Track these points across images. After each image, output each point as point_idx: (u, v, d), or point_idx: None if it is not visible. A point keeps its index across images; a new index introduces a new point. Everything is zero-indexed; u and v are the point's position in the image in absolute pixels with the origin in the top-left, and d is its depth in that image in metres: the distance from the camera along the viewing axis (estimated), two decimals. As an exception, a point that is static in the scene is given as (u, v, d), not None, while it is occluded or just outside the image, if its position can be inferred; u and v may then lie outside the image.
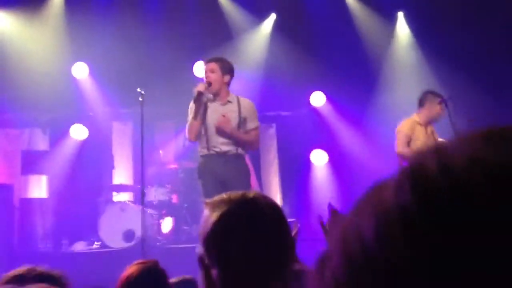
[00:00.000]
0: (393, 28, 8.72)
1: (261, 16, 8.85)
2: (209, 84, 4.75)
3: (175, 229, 7.16)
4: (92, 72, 8.50)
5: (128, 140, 8.63)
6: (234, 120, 4.79)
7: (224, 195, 1.55)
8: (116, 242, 6.60)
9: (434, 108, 5.65)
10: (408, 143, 5.63)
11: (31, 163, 8.18)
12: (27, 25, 8.41)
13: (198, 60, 8.62)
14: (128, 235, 6.60)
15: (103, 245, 6.68)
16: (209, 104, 4.87)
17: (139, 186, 7.45)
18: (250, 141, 4.88)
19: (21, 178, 8.16)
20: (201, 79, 8.52)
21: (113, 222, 6.70)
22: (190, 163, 7.53)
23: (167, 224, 7.19)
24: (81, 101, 8.48)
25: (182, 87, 8.41)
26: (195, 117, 4.84)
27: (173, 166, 7.60)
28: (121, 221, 6.70)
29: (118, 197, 7.37)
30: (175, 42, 8.36)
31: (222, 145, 4.79)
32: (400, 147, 5.65)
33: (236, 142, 4.77)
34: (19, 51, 8.17)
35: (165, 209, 7.20)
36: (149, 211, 6.67)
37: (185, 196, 7.33)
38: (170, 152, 8.40)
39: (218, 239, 1.47)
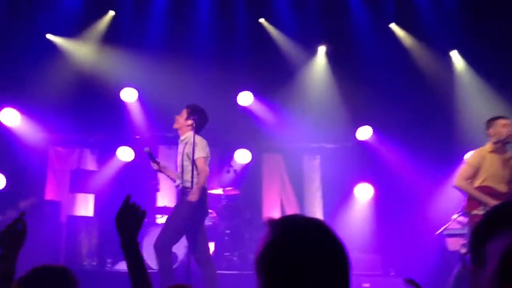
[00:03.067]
0: (445, 61, 8.62)
1: (310, 48, 8.96)
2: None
3: (217, 254, 7.21)
4: (140, 97, 8.76)
5: (173, 164, 8.77)
6: (180, 154, 5.59)
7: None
8: (158, 263, 6.67)
9: (498, 130, 5.47)
10: (476, 174, 5.47)
11: (79, 182, 8.41)
12: (81, 51, 8.76)
13: (243, 89, 8.82)
14: (171, 258, 6.67)
15: (146, 266, 6.74)
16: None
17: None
18: (202, 176, 5.43)
19: (69, 196, 8.40)
20: (245, 108, 8.78)
21: (156, 244, 6.78)
22: (234, 190, 7.64)
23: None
24: (128, 124, 8.73)
25: (227, 114, 8.62)
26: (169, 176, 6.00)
27: (216, 191, 7.69)
28: (164, 243, 6.77)
29: (161, 219, 7.48)
30: (222, 70, 8.55)
31: (177, 179, 5.64)
32: (458, 179, 5.52)
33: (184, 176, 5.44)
34: (75, 75, 8.49)
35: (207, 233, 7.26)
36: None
37: (227, 222, 7.40)
38: (214, 177, 8.52)
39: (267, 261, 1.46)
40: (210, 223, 7.27)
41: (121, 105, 8.70)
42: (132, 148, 8.57)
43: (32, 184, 8.29)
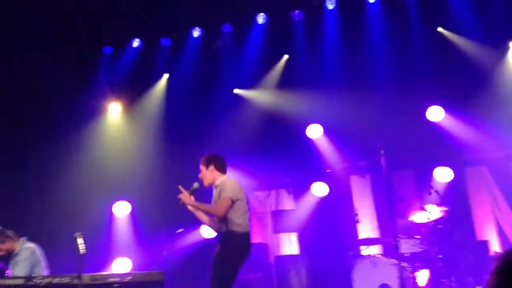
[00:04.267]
0: None
1: (499, 47, 8.19)
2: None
3: (433, 282, 6.73)
4: (326, 131, 8.80)
5: (368, 192, 8.60)
6: (215, 200, 5.23)
7: None
8: (374, 297, 6.47)
9: None
10: None
11: (280, 222, 8.64)
12: (264, 97, 9.19)
13: (431, 104, 8.33)
14: (385, 290, 6.42)
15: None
16: None
17: (387, 238, 7.31)
18: (212, 208, 5.16)
19: (273, 236, 8.67)
20: (434, 124, 8.26)
21: (366, 277, 6.58)
22: (440, 211, 7.13)
23: (423, 277, 6.81)
24: (318, 159, 8.78)
25: (417, 133, 8.19)
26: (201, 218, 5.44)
27: (420, 216, 7.24)
28: (374, 275, 6.54)
29: (366, 250, 7.27)
30: (406, 89, 8.22)
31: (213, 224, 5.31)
32: None
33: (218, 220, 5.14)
34: (261, 122, 8.89)
35: (419, 261, 6.84)
36: (403, 264, 6.40)
37: (438, 246, 6.88)
38: (414, 202, 8.10)
39: None
40: (420, 249, 6.83)
41: (308, 142, 8.82)
42: (326, 183, 8.60)
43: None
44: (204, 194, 5.55)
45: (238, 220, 5.08)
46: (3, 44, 8.03)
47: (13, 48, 8.15)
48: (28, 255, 5.79)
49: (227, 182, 5.23)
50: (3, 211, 7.37)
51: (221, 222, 5.12)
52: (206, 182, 5.34)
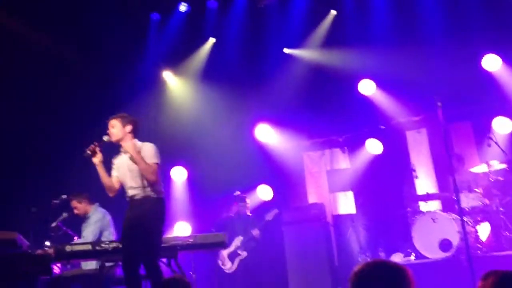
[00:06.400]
0: None
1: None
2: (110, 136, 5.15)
3: (495, 235, 6.64)
4: (378, 87, 8.63)
5: (425, 147, 8.46)
6: (131, 164, 5.00)
7: None
8: (433, 253, 6.43)
9: None
10: None
11: (336, 181, 8.65)
12: (311, 55, 9.08)
13: (486, 53, 8.01)
14: (445, 245, 6.37)
15: (420, 256, 6.60)
16: (119, 158, 5.20)
17: (446, 193, 7.22)
18: (148, 169, 4.94)
19: (330, 196, 8.72)
20: (491, 73, 7.94)
21: (426, 233, 6.54)
22: (500, 163, 6.95)
23: (484, 231, 6.73)
24: (372, 116, 8.67)
25: (473, 83, 7.92)
26: (102, 175, 5.12)
27: (480, 168, 7.09)
28: (434, 231, 6.49)
29: (425, 206, 7.21)
30: (458, 38, 7.92)
31: (130, 190, 5.03)
32: None
33: (143, 184, 4.95)
34: (311, 81, 8.82)
35: (479, 215, 6.75)
36: (464, 218, 6.33)
37: (499, 199, 6.75)
38: (473, 154, 7.92)
39: None
40: (481, 203, 6.72)
41: (361, 99, 8.69)
42: (380, 140, 8.51)
43: (294, 191, 8.87)
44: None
45: (162, 187, 5.07)
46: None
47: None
48: (99, 218, 6.22)
49: (149, 147, 5.10)
50: (76, 178, 7.71)
51: (145, 187, 4.97)
52: (115, 138, 5.13)
